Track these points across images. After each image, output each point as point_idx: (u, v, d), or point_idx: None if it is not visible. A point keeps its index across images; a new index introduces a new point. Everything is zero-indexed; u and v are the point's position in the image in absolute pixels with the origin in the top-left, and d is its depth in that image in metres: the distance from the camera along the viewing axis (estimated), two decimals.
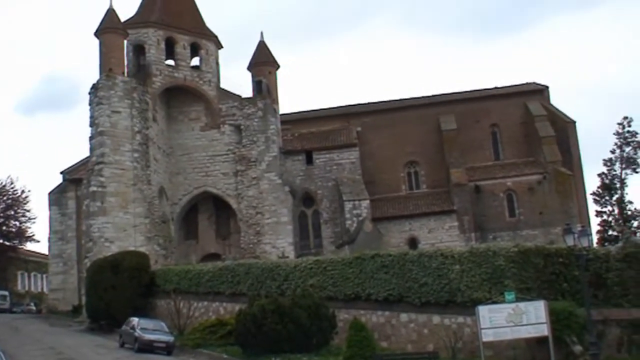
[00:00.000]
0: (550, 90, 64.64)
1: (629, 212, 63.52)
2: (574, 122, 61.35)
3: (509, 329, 23.92)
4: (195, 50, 59.23)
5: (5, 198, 70.55)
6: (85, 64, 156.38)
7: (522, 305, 23.93)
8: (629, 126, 63.82)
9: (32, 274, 78.21)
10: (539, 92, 64.27)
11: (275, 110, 58.94)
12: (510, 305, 23.94)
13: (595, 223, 62.55)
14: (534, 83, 65.64)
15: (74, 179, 59.62)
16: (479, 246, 29.53)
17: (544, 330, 23.70)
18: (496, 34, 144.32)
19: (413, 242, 56.30)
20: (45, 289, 73.86)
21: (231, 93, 59.27)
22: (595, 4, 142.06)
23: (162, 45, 57.14)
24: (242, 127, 57.83)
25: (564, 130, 60.68)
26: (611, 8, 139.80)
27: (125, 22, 55.63)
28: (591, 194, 63.74)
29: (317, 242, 58.92)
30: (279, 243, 54.80)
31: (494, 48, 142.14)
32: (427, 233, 57.15)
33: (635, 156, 63.73)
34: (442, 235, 56.52)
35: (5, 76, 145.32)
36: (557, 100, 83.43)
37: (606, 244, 56.53)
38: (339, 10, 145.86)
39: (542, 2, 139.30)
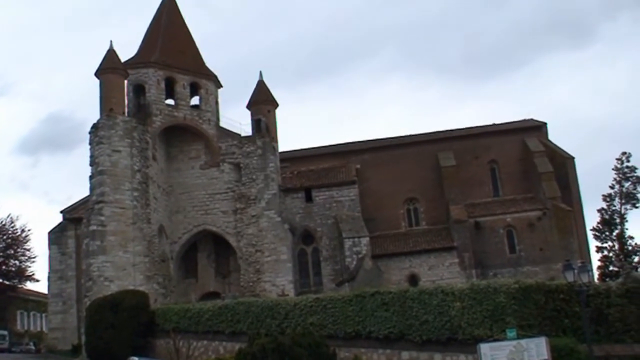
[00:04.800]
0: (549, 126, 64.97)
1: (630, 248, 63.65)
2: (573, 158, 61.44)
3: None
4: (195, 90, 59.80)
5: (5, 237, 70.15)
6: (86, 104, 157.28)
7: (523, 342, 23.80)
8: (628, 161, 64.38)
9: (32, 313, 77.71)
10: (537, 128, 64.50)
11: (275, 149, 59.16)
12: (512, 342, 23.82)
13: (595, 259, 62.64)
14: (532, 119, 65.80)
15: (74, 218, 59.58)
16: (479, 283, 29.43)
17: None
18: (493, 72, 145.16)
19: (413, 279, 55.99)
20: (44, 328, 73.36)
21: (230, 132, 59.65)
22: (588, 43, 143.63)
23: (162, 85, 57.68)
24: (241, 165, 58.05)
25: (562, 166, 60.78)
26: (605, 47, 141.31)
27: (125, 62, 56.20)
28: (591, 230, 63.83)
29: (317, 279, 58.70)
30: (278, 281, 54.69)
31: (490, 86, 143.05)
32: (427, 270, 56.88)
33: (634, 191, 64.14)
34: (443, 272, 56.33)
35: (7, 116, 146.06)
36: (556, 136, 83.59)
37: (607, 279, 56.41)
38: (338, 50, 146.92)
39: (537, 41, 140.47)
